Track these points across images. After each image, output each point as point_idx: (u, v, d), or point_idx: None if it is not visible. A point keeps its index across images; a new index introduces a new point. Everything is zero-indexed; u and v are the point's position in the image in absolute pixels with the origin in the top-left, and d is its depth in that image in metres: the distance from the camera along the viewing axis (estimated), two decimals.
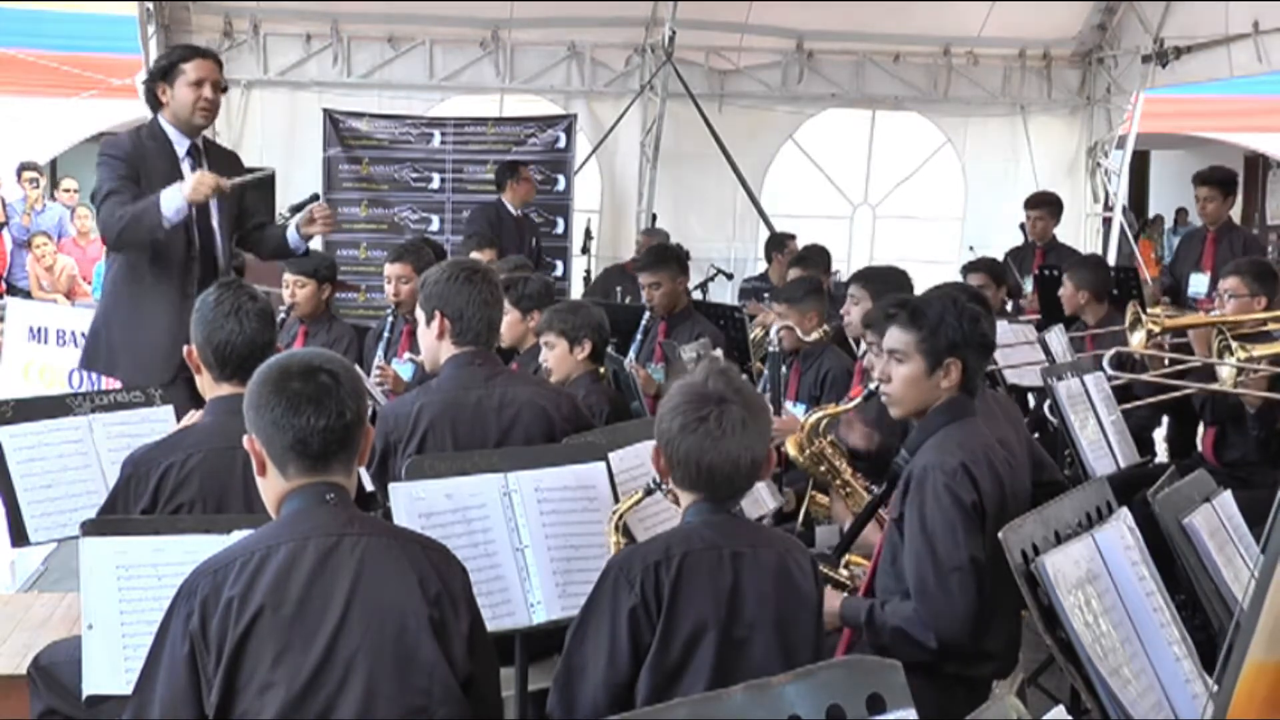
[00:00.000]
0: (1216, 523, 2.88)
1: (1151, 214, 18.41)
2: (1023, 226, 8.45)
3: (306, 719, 2.20)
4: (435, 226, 9.74)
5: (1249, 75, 9.60)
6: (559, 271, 9.79)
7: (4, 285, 11.23)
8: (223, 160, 5.03)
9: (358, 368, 3.17)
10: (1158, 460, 5.58)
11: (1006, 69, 10.89)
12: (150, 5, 9.07)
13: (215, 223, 4.86)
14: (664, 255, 6.30)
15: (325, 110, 9.66)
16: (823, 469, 3.95)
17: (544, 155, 9.94)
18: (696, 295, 8.47)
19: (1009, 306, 7.48)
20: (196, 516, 2.94)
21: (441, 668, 2.29)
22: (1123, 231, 11.18)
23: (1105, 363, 4.73)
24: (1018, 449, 3.46)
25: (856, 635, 3.14)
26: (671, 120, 10.22)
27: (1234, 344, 4.47)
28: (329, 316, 5.96)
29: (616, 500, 3.12)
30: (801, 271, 6.40)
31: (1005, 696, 1.80)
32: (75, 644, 2.78)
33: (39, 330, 7.32)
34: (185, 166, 4.77)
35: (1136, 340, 5.04)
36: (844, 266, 9.66)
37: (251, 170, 5.07)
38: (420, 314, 3.66)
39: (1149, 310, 5.31)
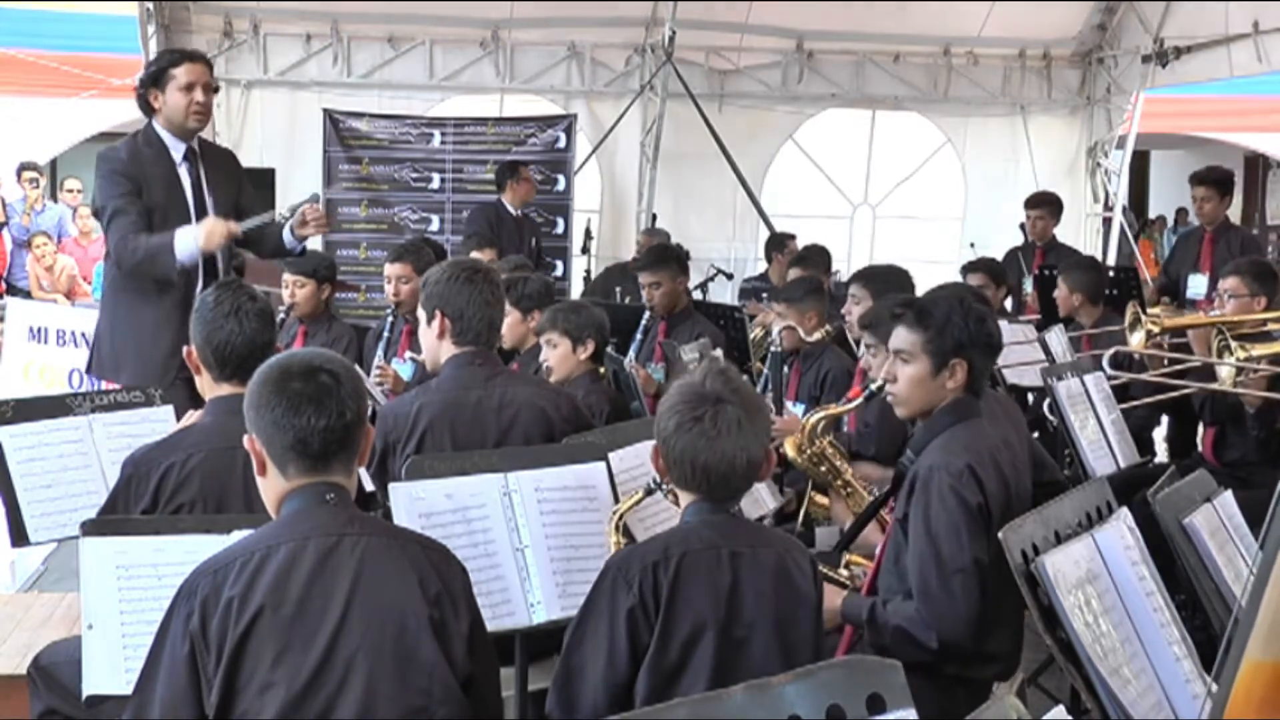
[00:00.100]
0: (1217, 523, 2.88)
1: (1152, 214, 18.42)
2: (1023, 226, 8.45)
3: (306, 719, 2.20)
4: (435, 226, 9.74)
5: (1249, 75, 9.60)
6: (559, 271, 9.79)
7: (4, 285, 11.22)
8: (220, 160, 5.04)
9: (357, 368, 3.16)
10: (1158, 460, 5.58)
11: (1006, 69, 10.89)
12: (150, 5, 9.07)
13: None
14: (664, 255, 6.30)
15: (325, 110, 9.67)
16: (823, 469, 3.95)
17: (544, 155, 9.95)
18: (696, 295, 8.47)
19: (1009, 306, 7.48)
20: (197, 516, 2.94)
21: (441, 668, 2.29)
22: (1123, 231, 11.18)
23: (1105, 362, 4.73)
24: (1019, 449, 3.46)
25: (857, 635, 3.14)
26: (671, 120, 10.22)
27: (1234, 344, 4.47)
28: (328, 316, 5.96)
29: (616, 500, 3.12)
30: (801, 271, 6.40)
31: (1005, 696, 1.80)
32: (75, 644, 2.78)
33: (39, 330, 7.32)
34: (182, 171, 4.80)
35: (1136, 341, 5.04)
36: (844, 266, 9.66)
37: (268, 213, 5.11)
38: (421, 313, 3.65)
39: (1149, 311, 5.30)
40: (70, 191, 12.21)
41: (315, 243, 8.43)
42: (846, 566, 3.56)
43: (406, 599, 2.29)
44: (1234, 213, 16.11)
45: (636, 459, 3.25)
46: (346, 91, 9.97)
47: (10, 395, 4.14)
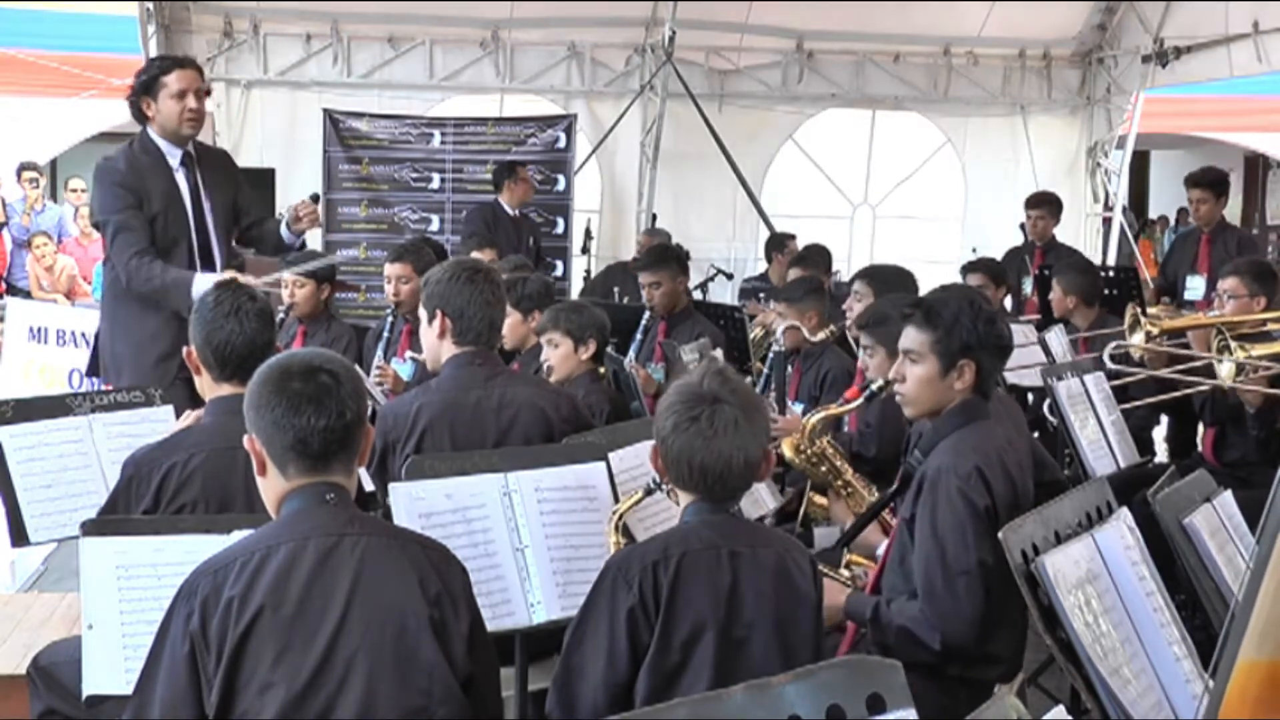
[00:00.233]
0: (1217, 523, 2.88)
1: (1152, 214, 18.42)
2: (1023, 226, 8.45)
3: (306, 719, 2.20)
4: (435, 226, 9.74)
5: (1249, 75, 9.60)
6: (559, 271, 9.79)
7: (4, 285, 11.22)
8: (216, 162, 5.07)
9: (357, 368, 3.16)
10: (1158, 460, 5.58)
11: (1006, 69, 10.89)
12: (150, 5, 9.07)
13: (211, 225, 4.90)
14: (664, 255, 6.30)
15: (325, 110, 9.67)
16: (823, 469, 3.94)
17: (544, 155, 9.95)
18: (696, 295, 8.47)
19: (1009, 306, 7.48)
20: (197, 516, 2.94)
21: (441, 668, 2.29)
22: (1123, 231, 11.18)
23: (1106, 355, 4.73)
24: (1021, 449, 3.46)
25: (859, 634, 3.14)
26: (671, 120, 10.22)
27: (1234, 344, 4.47)
28: (328, 316, 5.95)
29: (616, 500, 3.12)
30: (802, 271, 6.40)
31: (1005, 696, 1.80)
32: (75, 644, 2.78)
33: (39, 330, 7.33)
34: (180, 176, 4.84)
35: (1136, 342, 5.04)
36: (844, 266, 9.66)
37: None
38: (423, 312, 3.65)
39: (1149, 311, 5.30)
40: (74, 191, 12.20)
41: (315, 243, 8.46)
42: (847, 566, 3.55)
43: (406, 599, 2.29)
44: (1234, 213, 16.17)
45: (636, 459, 3.25)
46: (346, 91, 9.97)
47: (10, 395, 4.14)
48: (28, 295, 10.67)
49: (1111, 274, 7.20)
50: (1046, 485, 3.52)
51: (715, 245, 10.67)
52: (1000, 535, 2.46)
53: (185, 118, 4.76)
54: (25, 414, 3.62)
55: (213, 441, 3.04)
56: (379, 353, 5.70)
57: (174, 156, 4.82)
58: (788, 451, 3.92)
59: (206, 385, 3.26)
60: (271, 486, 2.38)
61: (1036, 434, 5.04)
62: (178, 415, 3.62)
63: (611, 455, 3.23)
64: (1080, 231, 10.89)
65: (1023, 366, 5.32)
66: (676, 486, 2.66)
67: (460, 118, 10.04)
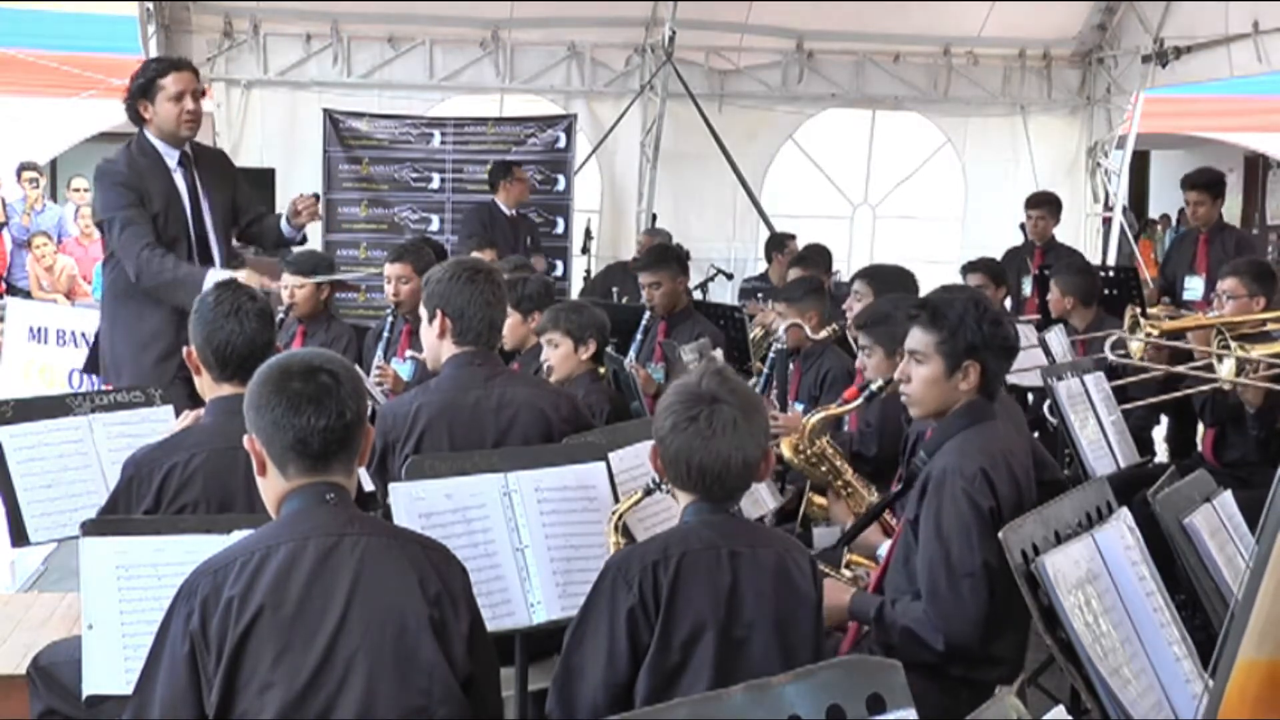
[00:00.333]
0: (1217, 523, 2.88)
1: (1152, 214, 18.41)
2: (1023, 226, 8.45)
3: (306, 719, 2.20)
4: (435, 226, 9.74)
5: (1249, 75, 9.59)
6: (559, 271, 9.79)
7: (4, 285, 11.22)
8: (213, 162, 5.09)
9: (357, 368, 3.16)
10: (1158, 460, 5.58)
11: (1006, 69, 10.89)
12: (150, 5, 9.07)
13: (209, 224, 4.91)
14: (664, 255, 6.30)
15: (325, 110, 9.66)
16: (823, 469, 3.93)
17: (544, 155, 9.94)
18: (696, 295, 8.47)
19: (1008, 306, 7.48)
20: (197, 517, 2.93)
21: (441, 668, 2.29)
22: (1123, 232, 11.18)
23: (1108, 347, 4.73)
24: (1023, 450, 3.46)
25: (863, 633, 3.14)
26: (671, 120, 10.22)
27: (1233, 344, 4.47)
28: (327, 316, 5.95)
29: (616, 500, 3.12)
30: (802, 271, 6.40)
31: (1005, 696, 1.80)
32: (75, 644, 2.78)
33: (39, 330, 7.33)
34: (178, 177, 4.85)
35: (1136, 345, 5.04)
36: (844, 266, 9.66)
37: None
38: (423, 312, 3.65)
39: (1149, 312, 5.30)
40: (77, 190, 12.21)
41: (315, 243, 8.46)
42: (848, 566, 3.55)
43: (406, 599, 2.29)
44: (1234, 213, 16.17)
45: (636, 459, 3.25)
46: (346, 91, 9.97)
47: (10, 395, 4.14)
48: (28, 295, 10.67)
49: (1111, 274, 7.20)
50: (1046, 485, 3.51)
51: (715, 245, 10.66)
52: (1000, 535, 2.46)
53: (183, 119, 4.77)
54: (25, 414, 3.62)
55: (213, 442, 3.04)
56: (379, 353, 5.70)
57: (171, 157, 4.84)
58: (786, 452, 3.91)
59: (206, 385, 3.26)
60: (271, 486, 2.38)
61: (1036, 434, 5.04)
62: (177, 414, 3.62)
63: (611, 455, 3.22)
64: (1080, 231, 10.89)
65: (1024, 367, 5.32)
66: (675, 486, 2.67)
67: (460, 118, 10.04)
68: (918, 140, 11.10)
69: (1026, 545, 2.45)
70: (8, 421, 3.58)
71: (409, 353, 5.56)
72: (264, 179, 8.94)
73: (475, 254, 6.34)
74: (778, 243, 8.83)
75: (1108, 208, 11.18)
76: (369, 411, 2.50)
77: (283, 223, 5.06)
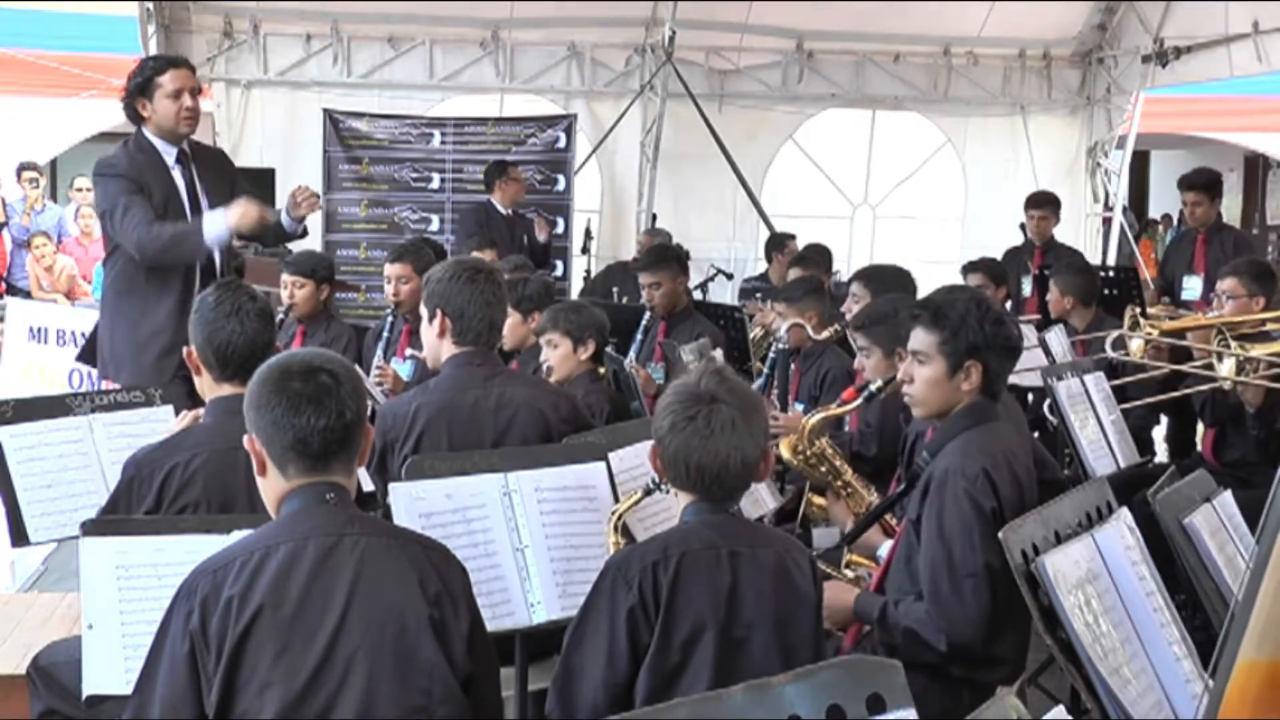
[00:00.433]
0: (1217, 523, 2.88)
1: (1152, 214, 18.40)
2: (1023, 226, 8.45)
3: (306, 718, 2.20)
4: (435, 226, 9.74)
5: (1249, 75, 9.59)
6: (559, 271, 9.79)
7: (4, 285, 11.22)
8: (211, 161, 5.10)
9: (357, 367, 3.16)
10: (1158, 460, 5.58)
11: (1006, 69, 10.89)
12: (150, 5, 9.08)
13: None
14: (664, 255, 6.30)
15: (325, 110, 9.67)
16: (822, 470, 3.93)
17: (544, 155, 9.95)
18: (696, 295, 8.47)
19: (1008, 306, 7.48)
20: (197, 517, 2.93)
21: (441, 668, 2.29)
22: (1123, 232, 11.18)
23: (1109, 344, 4.72)
24: (1025, 450, 3.46)
25: (864, 633, 3.14)
26: (671, 120, 10.22)
27: (1233, 343, 4.47)
28: (327, 316, 5.95)
29: (616, 500, 3.12)
30: (802, 271, 6.40)
31: (1005, 696, 1.80)
32: (75, 644, 2.78)
33: (39, 330, 7.33)
34: (176, 174, 4.86)
35: (1136, 345, 5.04)
36: (844, 266, 9.66)
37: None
38: (424, 311, 3.65)
39: (1149, 312, 5.30)
40: (80, 190, 12.21)
41: (316, 243, 8.47)
42: (848, 566, 3.55)
43: (406, 599, 2.29)
44: (1234, 213, 16.15)
45: (636, 459, 3.25)
46: (346, 91, 9.98)
47: (10, 395, 4.14)
48: (28, 295, 10.67)
49: (1111, 274, 7.21)
50: (1046, 484, 3.52)
51: (715, 245, 10.66)
52: (1000, 535, 2.46)
53: (182, 117, 4.78)
54: (25, 414, 3.62)
55: (214, 442, 3.04)
56: (379, 353, 5.70)
57: (170, 154, 4.84)
58: (785, 453, 3.91)
59: (207, 385, 3.25)
60: (271, 486, 2.38)
61: (1036, 434, 5.04)
62: (176, 413, 3.62)
63: (611, 455, 3.22)
64: (1080, 232, 10.89)
65: (1024, 367, 5.32)
66: (675, 486, 2.66)
67: (460, 118, 10.04)
68: (918, 140, 11.11)
69: (1026, 545, 2.45)
70: (8, 421, 3.58)
71: (409, 352, 5.56)
72: (264, 179, 8.94)
73: (476, 254, 6.34)
74: (778, 243, 8.83)
75: (1108, 208, 11.19)
76: (369, 411, 2.50)
77: (283, 216, 5.07)
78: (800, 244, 8.40)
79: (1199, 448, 5.44)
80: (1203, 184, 7.27)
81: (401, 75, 10.12)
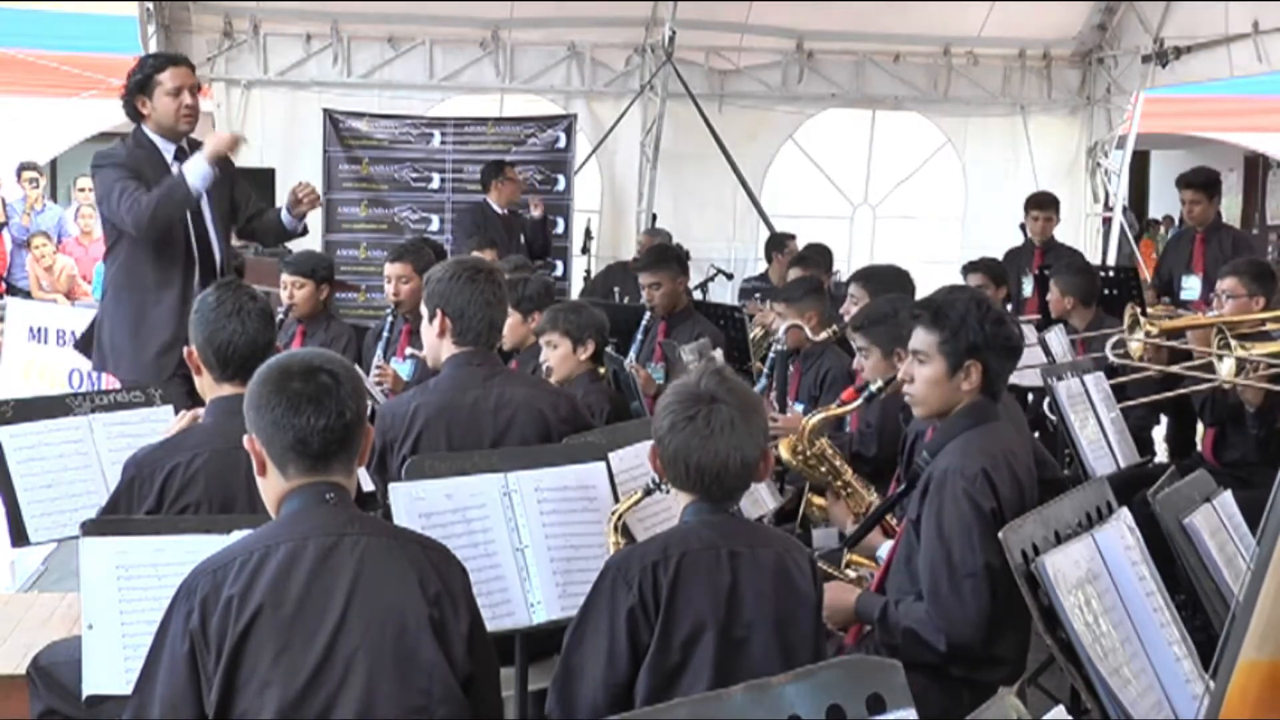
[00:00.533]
0: (1217, 523, 2.88)
1: (1152, 214, 18.40)
2: (1023, 226, 8.45)
3: (306, 718, 2.20)
4: (435, 226, 9.74)
5: (1249, 75, 9.59)
6: (559, 271, 9.79)
7: (4, 285, 11.22)
8: None
9: (357, 367, 3.16)
10: (1158, 460, 5.58)
11: (1006, 69, 10.89)
12: (150, 5, 9.08)
13: (209, 221, 4.92)
14: (664, 255, 6.30)
15: (325, 110, 9.67)
16: (822, 470, 3.93)
17: (544, 155, 9.95)
18: (696, 295, 8.47)
19: (1008, 307, 7.48)
20: (197, 517, 2.93)
21: (441, 668, 2.29)
22: (1123, 232, 11.18)
23: (1109, 347, 4.72)
24: (1025, 450, 3.46)
25: (865, 633, 3.14)
26: (671, 120, 10.22)
27: (1233, 343, 4.47)
28: (327, 316, 5.95)
29: (616, 500, 3.12)
30: (802, 271, 6.40)
31: (1005, 696, 1.80)
32: (75, 644, 2.78)
33: (39, 330, 7.33)
34: (175, 171, 4.83)
35: (1135, 345, 5.04)
36: (844, 266, 9.66)
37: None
38: (424, 310, 3.65)
39: (1149, 311, 5.30)
40: (83, 190, 12.21)
41: (316, 243, 8.47)
42: (849, 566, 3.55)
43: (406, 599, 2.29)
44: (1234, 213, 16.15)
45: (636, 459, 3.25)
46: (346, 91, 9.98)
47: (10, 395, 4.14)
48: (28, 295, 10.67)
49: (1111, 274, 7.21)
50: (1046, 483, 3.52)
51: (715, 245, 10.67)
52: (1000, 535, 2.46)
53: (181, 114, 4.80)
54: (25, 414, 3.62)
55: (214, 442, 3.04)
56: (379, 352, 5.70)
57: (168, 151, 4.86)
58: (785, 453, 3.90)
59: (207, 385, 3.25)
60: (271, 486, 2.38)
61: (1036, 434, 5.04)
62: (176, 412, 3.62)
63: (611, 455, 3.22)
64: (1080, 232, 10.90)
65: (1024, 366, 5.32)
66: (674, 486, 2.67)
67: (460, 118, 10.04)
68: (918, 140, 11.11)
69: (1026, 545, 2.46)
70: (8, 421, 3.58)
71: (409, 352, 5.56)
72: (264, 179, 8.94)
73: (476, 254, 6.34)
74: (778, 243, 8.83)
75: (1108, 208, 11.19)
76: (369, 411, 2.50)
77: (283, 213, 5.07)
78: (800, 244, 8.39)
79: (1199, 448, 5.44)
80: (1201, 183, 7.28)
81: (401, 75, 10.12)
